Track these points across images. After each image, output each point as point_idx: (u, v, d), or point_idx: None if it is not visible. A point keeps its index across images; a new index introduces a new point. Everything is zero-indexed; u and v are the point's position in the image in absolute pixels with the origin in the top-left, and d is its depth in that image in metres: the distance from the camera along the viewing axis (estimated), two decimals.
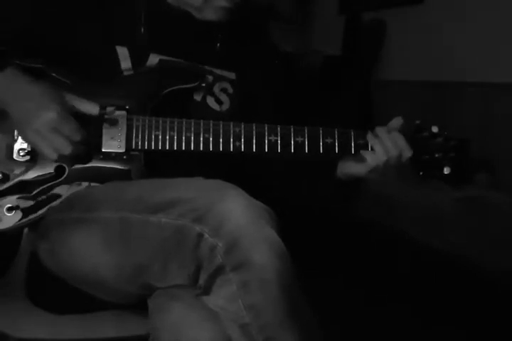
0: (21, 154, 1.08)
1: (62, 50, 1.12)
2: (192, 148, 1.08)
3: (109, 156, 1.09)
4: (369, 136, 1.12)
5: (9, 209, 1.06)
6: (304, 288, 0.91)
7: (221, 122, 1.09)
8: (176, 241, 0.91)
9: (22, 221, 1.07)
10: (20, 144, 1.08)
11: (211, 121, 1.09)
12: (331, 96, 3.58)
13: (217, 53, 1.22)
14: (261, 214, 0.92)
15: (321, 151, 1.11)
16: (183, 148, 1.08)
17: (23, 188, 1.07)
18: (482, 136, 2.72)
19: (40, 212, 1.08)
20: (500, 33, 2.79)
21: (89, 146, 1.07)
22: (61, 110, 1.02)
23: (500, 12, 2.80)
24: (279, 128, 1.10)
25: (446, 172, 1.13)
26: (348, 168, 1.16)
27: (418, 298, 2.07)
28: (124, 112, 1.08)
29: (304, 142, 1.11)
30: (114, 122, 1.07)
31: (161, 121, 1.09)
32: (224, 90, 1.21)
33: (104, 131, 1.07)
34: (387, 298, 2.05)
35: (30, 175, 1.08)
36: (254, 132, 1.09)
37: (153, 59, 1.16)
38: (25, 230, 1.14)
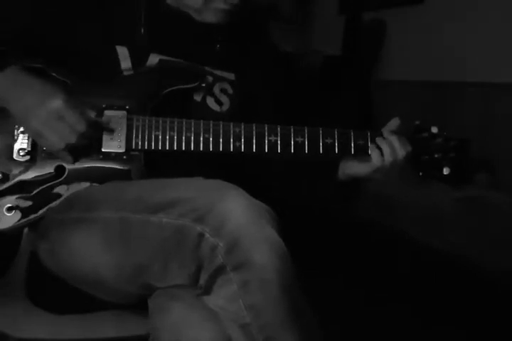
0: (21, 154, 1.08)
1: (62, 50, 1.12)
2: (192, 148, 1.08)
3: (109, 156, 1.09)
4: (378, 139, 1.12)
5: (9, 209, 1.06)
6: (304, 288, 0.91)
7: (221, 122, 1.09)
8: (176, 241, 0.91)
9: (22, 221, 1.07)
10: (20, 144, 1.08)
11: (211, 121, 1.09)
12: (331, 96, 3.58)
13: (217, 54, 1.22)
14: (261, 214, 0.92)
15: (321, 151, 1.11)
16: (183, 148, 1.08)
17: (22, 188, 1.07)
18: (482, 136, 2.71)
19: (39, 212, 1.08)
20: (501, 33, 2.79)
21: (91, 140, 1.07)
22: (67, 98, 1.01)
23: (501, 12, 2.80)
24: (279, 129, 1.10)
25: (445, 173, 1.14)
26: (351, 168, 1.16)
27: (418, 298, 2.07)
28: (124, 112, 1.08)
29: (303, 142, 1.11)
30: (112, 129, 1.08)
31: (161, 121, 1.09)
32: (224, 91, 1.21)
33: (104, 131, 1.07)
34: (387, 298, 2.05)
35: (30, 174, 1.08)
36: (254, 132, 1.09)
37: (153, 59, 1.16)
38: (25, 230, 1.14)
